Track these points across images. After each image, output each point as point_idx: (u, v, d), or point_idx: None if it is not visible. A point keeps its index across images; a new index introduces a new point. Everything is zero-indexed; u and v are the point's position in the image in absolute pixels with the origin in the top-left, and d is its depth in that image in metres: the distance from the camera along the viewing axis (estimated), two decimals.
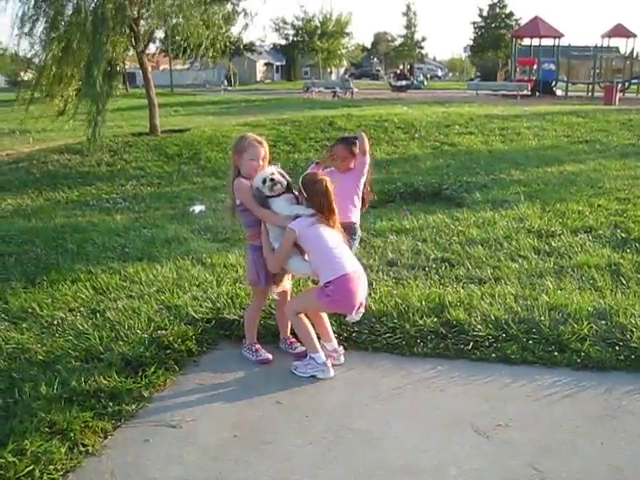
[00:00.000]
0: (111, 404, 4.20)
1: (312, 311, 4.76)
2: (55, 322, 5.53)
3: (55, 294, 6.26)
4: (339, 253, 4.52)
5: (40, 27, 15.77)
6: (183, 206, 10.79)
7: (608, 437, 3.80)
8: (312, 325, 4.71)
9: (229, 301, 5.74)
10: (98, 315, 5.63)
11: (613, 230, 7.88)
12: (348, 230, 5.05)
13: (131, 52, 18.67)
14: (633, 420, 3.98)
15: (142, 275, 6.71)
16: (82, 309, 5.85)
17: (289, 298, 5.09)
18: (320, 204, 4.56)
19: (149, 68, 19.70)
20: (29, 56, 17.50)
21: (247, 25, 22.95)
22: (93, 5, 15.96)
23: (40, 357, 4.84)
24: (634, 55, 38.82)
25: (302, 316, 4.70)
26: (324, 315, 4.85)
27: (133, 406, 4.24)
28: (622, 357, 4.67)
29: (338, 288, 4.44)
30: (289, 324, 5.02)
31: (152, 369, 4.62)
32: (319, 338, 4.76)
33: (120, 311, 5.66)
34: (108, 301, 6.03)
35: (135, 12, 17.16)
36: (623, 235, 7.64)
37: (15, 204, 11.66)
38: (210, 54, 19.64)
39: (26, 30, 15.90)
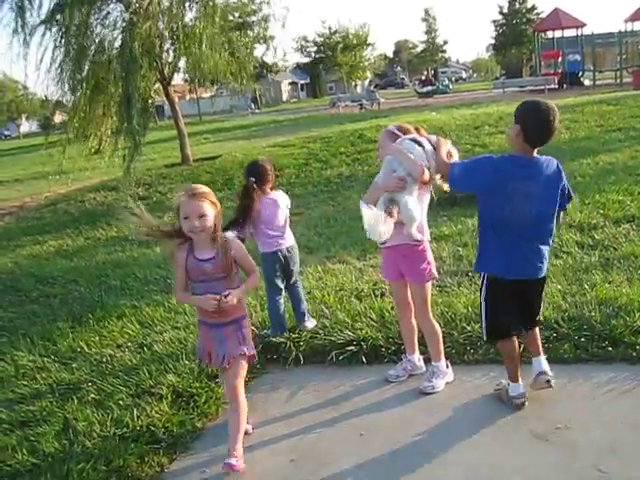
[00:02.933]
0: (165, 437, 4.22)
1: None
2: (104, 359, 5.60)
3: (102, 331, 6.33)
4: None
5: (67, 70, 16.03)
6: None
7: None
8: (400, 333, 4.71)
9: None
10: (146, 349, 5.68)
11: None
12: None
13: (157, 85, 18.88)
14: None
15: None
16: (129, 344, 5.91)
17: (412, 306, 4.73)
18: None
19: (176, 99, 19.94)
20: (58, 98, 17.81)
21: (273, 48, 23.00)
22: (119, 43, 16.24)
23: (92, 396, 4.89)
24: None
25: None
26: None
27: (187, 438, 4.25)
28: None
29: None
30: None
31: (203, 399, 4.64)
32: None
33: (167, 343, 5.70)
34: (154, 334, 6.08)
35: (158, 46, 17.40)
36: None
37: (56, 245, 11.83)
38: (238, 81, 19.79)
39: (52, 75, 16.20)
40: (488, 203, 3.92)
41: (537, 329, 4.31)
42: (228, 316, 3.88)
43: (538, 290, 4.15)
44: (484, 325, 4.16)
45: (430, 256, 4.54)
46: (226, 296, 3.72)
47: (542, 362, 4.21)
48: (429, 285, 4.62)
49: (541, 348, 4.29)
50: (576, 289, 5.67)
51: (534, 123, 3.74)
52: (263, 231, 5.57)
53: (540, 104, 3.79)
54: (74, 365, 5.56)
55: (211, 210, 3.80)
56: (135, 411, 4.50)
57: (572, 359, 4.63)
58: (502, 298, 4.03)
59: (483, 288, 4.09)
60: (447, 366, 4.64)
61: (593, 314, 5.06)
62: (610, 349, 4.65)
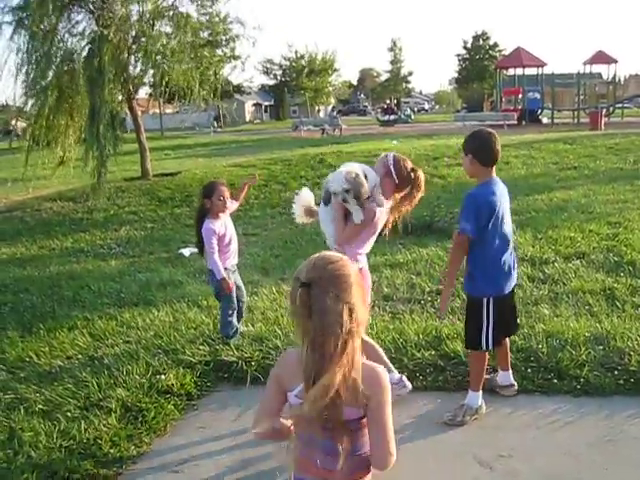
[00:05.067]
0: (112, 451, 4.19)
1: None
2: (53, 370, 5.54)
3: (52, 342, 6.26)
4: None
5: (32, 76, 15.86)
6: (177, 249, 10.80)
7: (612, 463, 3.79)
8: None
9: (226, 343, 5.74)
10: (96, 362, 5.64)
11: (606, 254, 7.92)
12: None
13: (120, 97, 18.77)
14: (636, 444, 3.97)
15: (139, 320, 6.71)
16: (80, 356, 5.86)
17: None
18: None
19: (139, 113, 19.83)
20: (19, 105, 17.60)
21: (241, 67, 23.05)
22: (85, 54, 16.14)
23: (39, 406, 4.83)
24: (616, 80, 39.32)
25: None
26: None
27: (134, 452, 4.23)
28: (621, 381, 4.68)
29: None
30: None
31: (152, 414, 4.62)
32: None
33: (118, 357, 5.66)
34: (105, 347, 6.04)
35: (126, 58, 17.33)
36: (616, 259, 7.68)
37: (10, 253, 11.65)
38: (203, 96, 19.78)
39: (15, 79, 16.01)
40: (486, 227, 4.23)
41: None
42: None
43: (514, 296, 4.66)
44: (490, 337, 4.36)
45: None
46: None
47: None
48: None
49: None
50: (525, 321, 5.80)
51: (483, 147, 4.23)
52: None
53: (482, 131, 4.39)
54: (22, 375, 5.49)
55: None
56: (83, 424, 4.46)
57: (518, 389, 4.73)
58: (503, 311, 4.39)
59: (489, 308, 4.31)
60: (401, 379, 4.70)
61: (540, 346, 5.19)
62: (555, 381, 4.77)
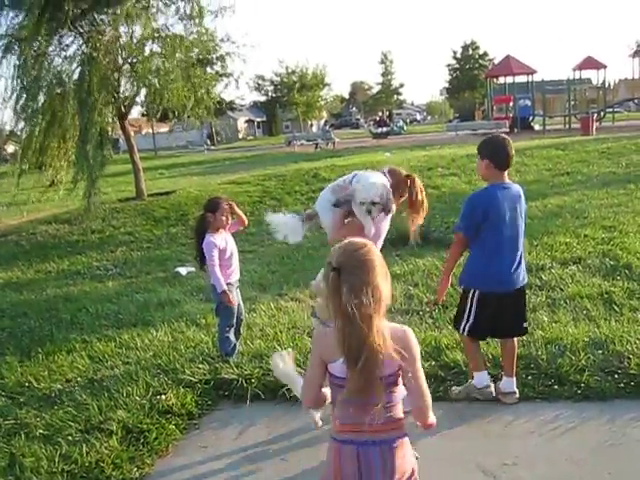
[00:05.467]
0: (114, 473, 4.18)
1: None
2: (53, 394, 5.52)
3: (51, 366, 6.24)
4: None
5: (23, 100, 15.88)
6: (174, 268, 10.79)
7: (615, 467, 3.79)
8: None
9: (226, 361, 5.72)
10: (96, 384, 5.62)
11: (602, 259, 7.94)
12: None
13: (112, 118, 18.79)
14: (638, 448, 3.97)
15: (137, 340, 6.69)
16: (79, 379, 5.84)
17: None
18: None
19: (132, 133, 19.86)
20: (11, 129, 17.64)
21: (235, 85, 23.01)
22: (77, 76, 16.16)
23: (40, 431, 4.82)
24: (606, 85, 39.51)
25: None
26: None
27: (137, 474, 4.22)
28: (622, 385, 4.69)
29: None
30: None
31: (154, 435, 4.61)
32: None
33: (118, 378, 5.65)
34: (105, 369, 6.02)
35: (116, 80, 17.38)
36: (612, 263, 7.70)
37: (6, 277, 11.63)
38: (196, 115, 19.82)
39: (8, 104, 16.03)
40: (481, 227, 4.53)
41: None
42: None
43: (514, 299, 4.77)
44: (468, 326, 4.74)
45: None
46: None
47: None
48: None
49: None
50: None
51: (499, 151, 4.49)
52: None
53: (497, 136, 4.75)
54: (22, 399, 5.47)
55: None
56: (84, 447, 4.45)
57: (519, 397, 4.73)
58: (488, 306, 4.65)
59: (473, 299, 4.65)
60: None
61: (540, 353, 5.20)
62: (556, 387, 4.77)
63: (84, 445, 4.48)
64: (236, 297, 5.94)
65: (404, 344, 2.50)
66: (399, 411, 2.64)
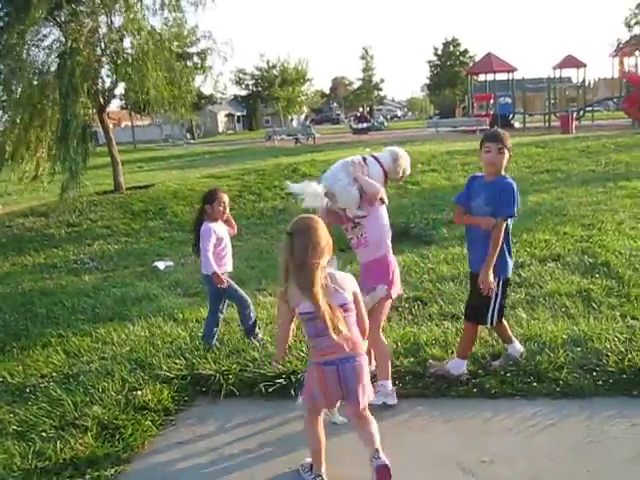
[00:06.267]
0: (89, 470, 4.11)
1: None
2: (27, 390, 5.44)
3: (26, 360, 6.16)
4: None
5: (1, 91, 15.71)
6: (152, 263, 10.71)
7: (594, 464, 3.79)
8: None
9: (204, 356, 5.67)
10: (71, 379, 5.54)
11: (580, 256, 7.97)
12: None
13: (91, 111, 18.60)
14: (617, 444, 3.97)
15: (114, 335, 6.63)
16: (54, 374, 5.76)
17: None
18: None
19: (110, 126, 19.69)
20: None
21: (214, 81, 22.65)
22: (56, 68, 15.97)
23: (13, 427, 4.74)
24: (586, 84, 39.76)
25: None
26: None
27: (112, 471, 4.15)
28: (600, 382, 4.69)
29: None
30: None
31: (129, 431, 4.54)
32: None
33: (93, 374, 5.58)
34: (81, 364, 5.95)
35: (95, 71, 17.19)
36: (591, 261, 7.73)
37: None
38: (176, 110, 19.69)
39: None
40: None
41: None
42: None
43: None
44: (496, 314, 4.92)
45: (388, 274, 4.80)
46: None
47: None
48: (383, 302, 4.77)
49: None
50: None
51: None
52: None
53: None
54: None
55: None
56: (59, 443, 4.37)
57: (498, 394, 4.72)
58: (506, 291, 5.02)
59: (498, 288, 4.82)
60: (393, 390, 4.75)
61: None
62: (535, 384, 4.76)
63: (58, 442, 4.40)
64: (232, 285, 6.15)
65: (343, 283, 3.57)
66: (358, 336, 3.63)
